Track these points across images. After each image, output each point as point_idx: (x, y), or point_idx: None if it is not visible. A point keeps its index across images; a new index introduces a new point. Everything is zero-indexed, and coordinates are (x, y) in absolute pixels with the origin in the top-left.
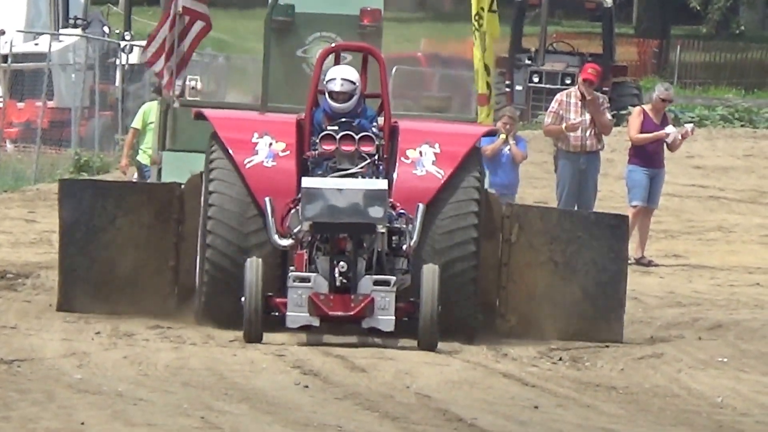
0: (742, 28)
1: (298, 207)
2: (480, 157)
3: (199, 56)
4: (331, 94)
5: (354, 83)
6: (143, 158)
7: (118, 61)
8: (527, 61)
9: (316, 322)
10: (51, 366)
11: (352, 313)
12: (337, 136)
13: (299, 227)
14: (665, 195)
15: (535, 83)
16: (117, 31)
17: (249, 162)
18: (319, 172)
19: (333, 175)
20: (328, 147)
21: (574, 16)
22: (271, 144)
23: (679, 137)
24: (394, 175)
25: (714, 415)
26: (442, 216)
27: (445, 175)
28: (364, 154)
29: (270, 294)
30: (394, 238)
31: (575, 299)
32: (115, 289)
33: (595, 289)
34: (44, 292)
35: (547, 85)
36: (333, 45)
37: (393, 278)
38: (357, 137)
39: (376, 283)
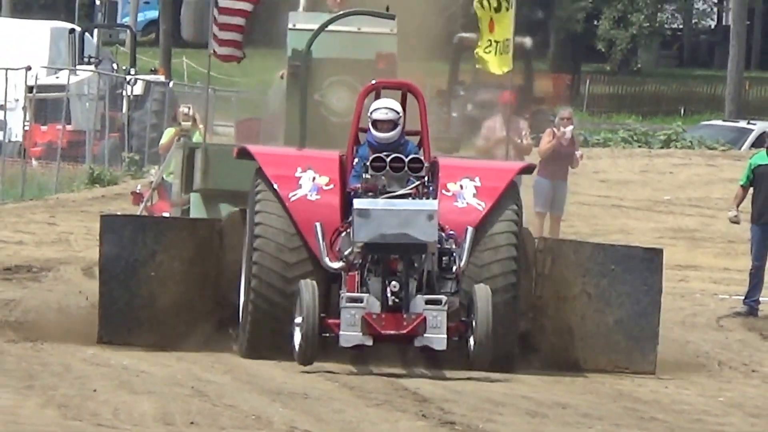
0: (639, 65)
1: (348, 230)
2: (517, 191)
3: (190, 88)
4: (376, 123)
5: (398, 112)
6: (169, 179)
7: (124, 92)
8: (461, 92)
9: (369, 341)
10: (69, 344)
11: (404, 331)
12: (388, 159)
13: (350, 249)
14: (576, 203)
15: (469, 111)
16: (123, 68)
17: (293, 195)
18: (370, 194)
19: (383, 196)
20: (378, 170)
21: None
22: (314, 178)
23: (568, 134)
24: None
25: None
26: (481, 248)
27: (485, 207)
28: (413, 177)
29: (323, 315)
30: (444, 259)
31: (609, 331)
32: (156, 323)
33: (628, 321)
34: (63, 283)
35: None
36: (374, 82)
37: (445, 298)
38: (407, 159)
39: (428, 302)
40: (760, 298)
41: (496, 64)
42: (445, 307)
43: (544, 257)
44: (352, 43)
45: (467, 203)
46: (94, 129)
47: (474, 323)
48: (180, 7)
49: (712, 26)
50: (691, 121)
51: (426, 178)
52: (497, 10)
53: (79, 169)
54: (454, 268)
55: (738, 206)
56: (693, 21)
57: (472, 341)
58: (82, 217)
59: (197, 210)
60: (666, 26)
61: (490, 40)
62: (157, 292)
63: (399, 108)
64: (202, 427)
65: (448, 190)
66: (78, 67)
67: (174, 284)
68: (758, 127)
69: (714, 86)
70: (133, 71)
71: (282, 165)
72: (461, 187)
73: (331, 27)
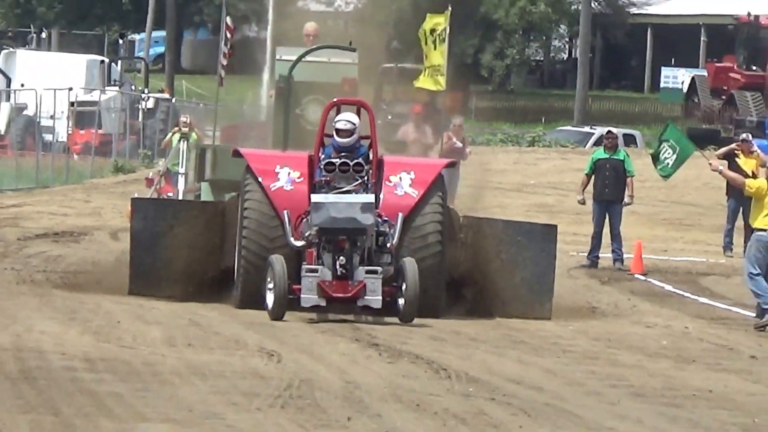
0: (512, 86)
1: (308, 217)
2: (443, 182)
3: (187, 103)
4: (338, 131)
5: (354, 124)
6: (173, 168)
7: (140, 106)
8: (383, 106)
9: (323, 302)
10: (102, 288)
11: (350, 294)
12: (338, 163)
13: (309, 232)
14: (467, 187)
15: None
16: (139, 88)
17: (273, 186)
18: (324, 191)
19: (334, 192)
20: (329, 171)
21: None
22: (289, 173)
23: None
24: (381, 195)
25: None
26: (416, 224)
27: (419, 194)
28: (357, 177)
29: (289, 282)
30: (380, 238)
31: (516, 287)
32: (173, 280)
33: (531, 279)
34: (95, 244)
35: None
36: (335, 99)
37: (380, 268)
38: (352, 163)
39: (368, 272)
40: (600, 255)
41: (429, 83)
42: (381, 276)
43: (466, 231)
44: (324, 70)
45: (405, 191)
46: (118, 132)
47: (403, 287)
48: (180, 46)
49: (565, 58)
50: (549, 127)
51: (366, 178)
52: (434, 43)
53: (107, 161)
54: (388, 245)
55: (583, 191)
56: (551, 54)
57: (401, 301)
58: (110, 196)
59: (206, 195)
60: (531, 58)
61: (425, 67)
62: (174, 257)
63: (356, 119)
64: (197, 348)
65: (390, 181)
66: (106, 88)
67: (187, 251)
68: (597, 131)
69: (566, 101)
70: (146, 91)
71: (265, 162)
72: (400, 179)
73: (308, 58)
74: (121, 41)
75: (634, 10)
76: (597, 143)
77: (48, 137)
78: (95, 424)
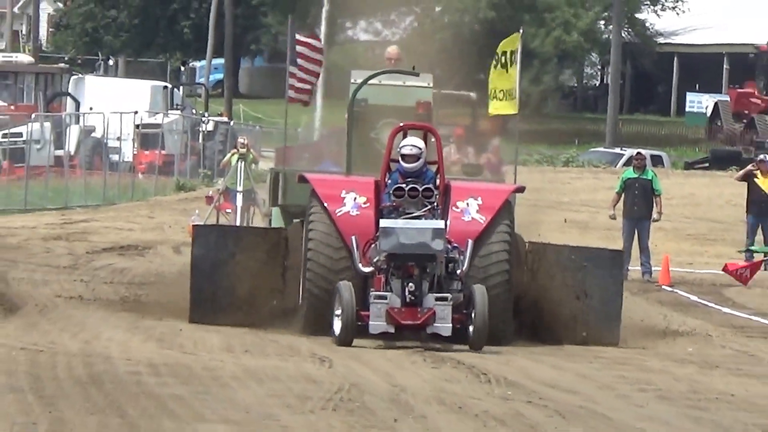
0: (548, 110)
1: (376, 242)
2: (511, 208)
3: (244, 126)
4: (404, 156)
5: (420, 149)
6: (231, 186)
7: (200, 129)
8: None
9: (391, 329)
10: (163, 299)
11: (419, 322)
12: (407, 188)
13: (377, 257)
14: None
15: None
16: (200, 112)
17: (339, 211)
18: (393, 216)
19: (403, 217)
20: (399, 197)
21: None
22: (355, 198)
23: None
24: (448, 221)
25: None
26: (483, 251)
27: (486, 220)
28: (426, 202)
29: (357, 308)
30: (449, 265)
31: (582, 313)
32: (234, 308)
33: (598, 305)
34: (159, 257)
35: None
36: (401, 124)
37: (450, 295)
38: (421, 189)
39: (437, 299)
40: (629, 268)
41: (506, 108)
42: (451, 303)
43: (532, 257)
44: (399, 94)
45: (472, 217)
46: (180, 153)
47: (473, 315)
48: (238, 73)
49: (597, 84)
50: (582, 148)
51: (435, 203)
52: (505, 66)
53: (170, 180)
54: (458, 272)
55: (614, 207)
56: (584, 80)
57: (471, 329)
58: (172, 213)
59: (277, 220)
60: (566, 84)
61: (493, 89)
62: (235, 285)
63: (422, 144)
64: (253, 354)
65: (457, 207)
66: (169, 111)
67: (249, 279)
68: (627, 152)
69: (598, 125)
70: (206, 114)
71: (330, 187)
72: (467, 204)
73: (384, 81)
74: (182, 68)
75: (661, 40)
76: (627, 164)
77: (114, 157)
78: (158, 424)
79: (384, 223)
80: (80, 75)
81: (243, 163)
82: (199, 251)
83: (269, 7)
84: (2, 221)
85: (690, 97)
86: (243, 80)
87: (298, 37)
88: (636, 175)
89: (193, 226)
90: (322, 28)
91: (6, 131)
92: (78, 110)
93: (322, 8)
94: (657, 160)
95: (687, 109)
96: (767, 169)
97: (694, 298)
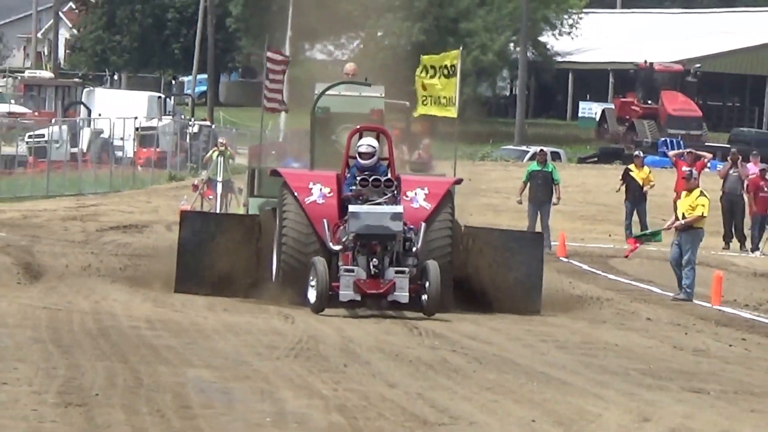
0: (467, 116)
1: (344, 225)
2: (452, 196)
3: (224, 129)
4: (361, 154)
5: (375, 147)
6: (213, 177)
7: (187, 131)
8: None
9: (358, 297)
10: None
11: (382, 291)
12: (370, 179)
13: (346, 237)
14: None
15: None
16: (187, 117)
17: (308, 200)
18: (359, 202)
19: (368, 203)
20: (364, 185)
21: None
22: (321, 189)
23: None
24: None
25: None
26: (431, 233)
27: (431, 207)
28: (387, 191)
29: (329, 280)
30: (406, 243)
31: (509, 287)
32: (214, 281)
33: (522, 279)
34: (154, 234)
35: None
36: (358, 126)
37: (407, 269)
38: (383, 179)
39: (397, 272)
40: None
41: (435, 110)
42: (408, 275)
43: (467, 239)
44: (355, 103)
45: (420, 204)
46: (172, 150)
47: (426, 285)
48: (218, 86)
49: (507, 94)
50: (495, 146)
51: (396, 192)
52: (445, 76)
53: (163, 172)
54: (414, 249)
55: (521, 194)
56: (497, 91)
57: (425, 297)
58: (165, 198)
59: (253, 209)
60: (483, 94)
61: (425, 96)
62: (215, 262)
63: (376, 144)
64: (231, 312)
65: (407, 196)
66: (162, 117)
67: (227, 257)
68: (531, 149)
69: (508, 127)
70: (192, 120)
71: (300, 180)
72: (416, 194)
73: (343, 92)
74: (173, 82)
75: (559, 59)
76: (531, 158)
77: (119, 154)
78: (154, 369)
79: (352, 208)
80: (91, 88)
81: (222, 158)
82: (185, 233)
83: (243, 33)
84: (28, 205)
85: (582, 105)
86: (222, 92)
87: (268, 54)
88: (539, 168)
89: (181, 211)
90: (287, 48)
91: (31, 133)
92: (89, 116)
93: (286, 33)
94: (556, 156)
95: (580, 114)
96: (641, 163)
97: (585, 267)
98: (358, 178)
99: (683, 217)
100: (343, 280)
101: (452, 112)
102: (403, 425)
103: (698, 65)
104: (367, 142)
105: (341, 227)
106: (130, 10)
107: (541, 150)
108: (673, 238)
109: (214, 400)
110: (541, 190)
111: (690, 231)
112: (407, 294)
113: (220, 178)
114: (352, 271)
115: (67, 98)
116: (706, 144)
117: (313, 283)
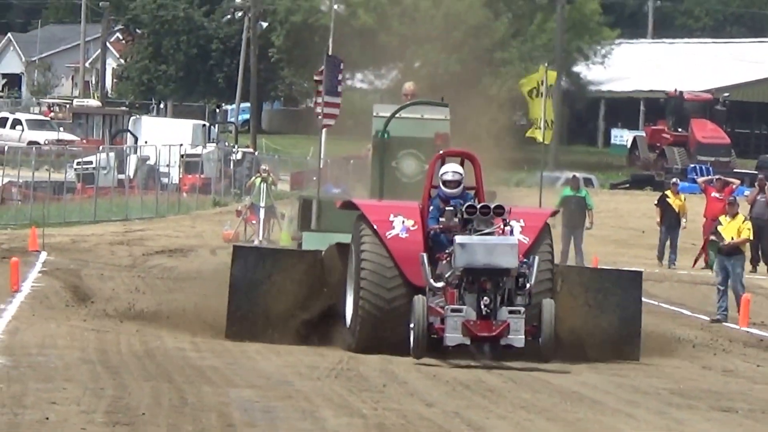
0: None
1: (447, 259)
2: (550, 230)
3: (266, 155)
4: (446, 183)
5: (461, 174)
6: (256, 203)
7: (231, 158)
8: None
9: (467, 341)
10: (204, 290)
11: (494, 333)
12: (478, 207)
13: (451, 272)
14: None
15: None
16: (231, 145)
17: (389, 234)
18: (467, 233)
19: (476, 234)
20: (471, 214)
21: None
22: (403, 221)
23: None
24: None
25: None
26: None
27: (529, 241)
28: (493, 221)
29: (431, 322)
30: (519, 279)
31: (603, 331)
32: (269, 327)
33: (618, 323)
34: (199, 258)
35: None
36: (441, 152)
37: (522, 308)
38: (492, 207)
39: (510, 312)
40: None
41: (540, 135)
42: (523, 316)
43: (557, 278)
44: (418, 126)
45: (517, 238)
46: (216, 176)
47: (542, 328)
48: (261, 114)
49: None
50: (530, 172)
51: (506, 221)
52: (542, 98)
53: (208, 197)
54: (527, 286)
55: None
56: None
57: (540, 341)
58: (210, 223)
59: (308, 244)
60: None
61: (536, 119)
62: (271, 304)
63: (461, 171)
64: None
65: (497, 223)
66: (207, 144)
67: (285, 298)
68: (564, 175)
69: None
70: (236, 147)
71: (379, 212)
72: (512, 226)
73: (403, 114)
74: (217, 110)
75: (592, 87)
76: (565, 184)
77: (165, 180)
78: (198, 389)
79: (460, 239)
80: (137, 116)
81: (265, 184)
82: (238, 271)
83: (285, 63)
84: (76, 230)
85: (614, 132)
86: (265, 119)
87: (341, 67)
88: (572, 193)
89: (234, 246)
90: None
91: (80, 160)
92: (136, 143)
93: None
94: (588, 182)
95: (612, 141)
96: (677, 191)
97: None
98: (464, 206)
99: (731, 239)
100: (450, 322)
101: (549, 137)
102: None
103: (727, 94)
104: (453, 169)
105: (445, 261)
106: (176, 40)
107: (574, 176)
108: (716, 264)
109: (257, 419)
110: (575, 215)
111: (738, 255)
112: (523, 337)
113: (263, 204)
114: (461, 311)
115: (114, 126)
116: (735, 170)
117: (412, 325)
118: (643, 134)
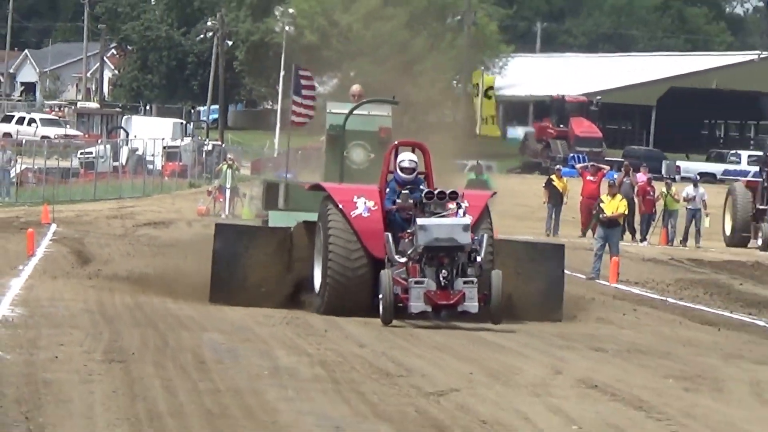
0: None
1: (409, 237)
2: (489, 210)
3: (232, 146)
4: (403, 169)
5: (416, 162)
6: (223, 184)
7: (204, 149)
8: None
9: (429, 309)
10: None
11: (452, 302)
12: (436, 191)
13: (413, 249)
14: None
15: None
16: (204, 138)
17: (354, 213)
18: (426, 215)
19: (435, 216)
20: (429, 198)
21: None
22: (365, 202)
23: None
24: None
25: None
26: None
27: (472, 219)
28: (454, 203)
29: (396, 293)
30: (471, 254)
31: (531, 295)
32: (246, 292)
33: (544, 289)
34: (178, 229)
35: None
36: (396, 142)
37: (475, 279)
38: (448, 192)
39: (465, 282)
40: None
41: (492, 131)
42: (476, 285)
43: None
44: (365, 121)
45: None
46: (191, 164)
47: (491, 295)
48: (227, 114)
49: (451, 120)
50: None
51: (459, 203)
52: (486, 97)
53: (185, 181)
54: (478, 259)
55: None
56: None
57: (490, 307)
58: (186, 201)
59: (275, 221)
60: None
61: (483, 116)
62: (248, 273)
63: (416, 159)
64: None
65: (448, 209)
66: (184, 138)
67: (259, 269)
68: (469, 163)
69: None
70: (207, 140)
71: (344, 194)
72: (457, 206)
73: (356, 112)
74: (192, 111)
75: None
76: (470, 170)
77: (150, 167)
78: (177, 334)
79: (421, 221)
80: (129, 116)
81: (230, 170)
82: (220, 245)
83: (246, 73)
84: (80, 207)
85: (510, 129)
86: (230, 118)
87: (300, 72)
88: (476, 177)
89: (216, 224)
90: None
91: (82, 150)
92: (127, 137)
93: (279, 73)
94: (489, 168)
95: (508, 135)
96: (560, 175)
97: None
98: (424, 192)
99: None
100: (414, 292)
101: (497, 130)
102: (370, 377)
103: (599, 97)
104: (409, 157)
105: (407, 239)
106: (159, 55)
107: (478, 162)
108: (597, 233)
109: (224, 357)
110: None
111: (616, 227)
112: (477, 304)
113: (228, 185)
114: (422, 282)
115: (110, 124)
116: (605, 159)
117: (380, 296)
118: (533, 130)
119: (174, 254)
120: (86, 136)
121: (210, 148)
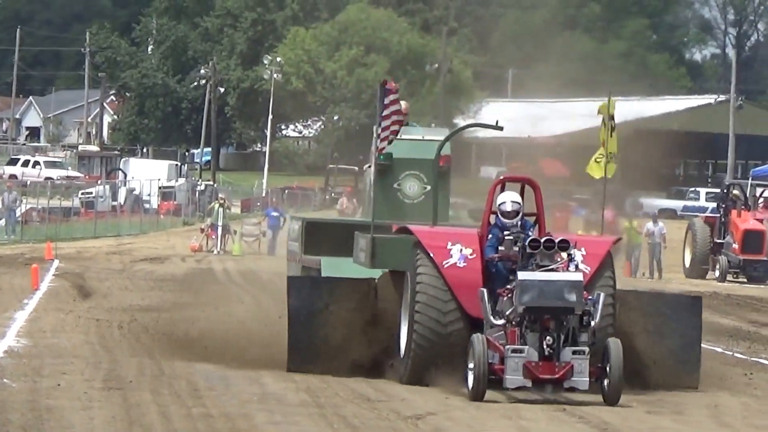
0: None
1: (508, 295)
2: (611, 258)
3: (224, 186)
4: (504, 213)
5: (519, 204)
6: (214, 222)
7: (197, 189)
8: (330, 188)
9: (529, 383)
10: (173, 279)
11: (557, 376)
12: (542, 240)
13: (511, 309)
14: None
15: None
16: (197, 179)
17: (446, 263)
18: (529, 268)
19: (540, 270)
20: (534, 248)
21: None
22: (461, 249)
23: None
24: None
25: None
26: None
27: (591, 271)
28: (563, 254)
29: (491, 362)
30: (583, 317)
31: (663, 358)
32: (329, 357)
33: (678, 350)
34: (173, 264)
35: None
36: (501, 177)
37: (587, 348)
38: (557, 241)
39: (574, 352)
40: None
41: (599, 170)
42: (588, 357)
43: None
44: (419, 147)
45: (581, 274)
46: (185, 203)
47: (608, 369)
48: (219, 156)
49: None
50: None
51: (572, 255)
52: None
53: (179, 219)
54: (592, 324)
55: None
56: None
57: (606, 383)
58: (180, 238)
59: (327, 270)
60: None
61: (602, 153)
62: (330, 334)
63: (519, 199)
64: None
65: (561, 257)
66: (179, 179)
67: (342, 327)
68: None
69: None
70: (200, 180)
71: (436, 239)
72: (569, 257)
73: (405, 136)
74: (186, 153)
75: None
76: None
77: (147, 206)
78: (172, 362)
79: (522, 275)
80: (127, 158)
81: (222, 209)
82: (294, 302)
83: (237, 118)
84: (81, 244)
85: (482, 168)
86: (222, 160)
87: (390, 97)
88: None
89: (288, 278)
90: (268, 126)
91: (83, 190)
92: (125, 178)
93: (268, 117)
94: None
95: (481, 175)
96: None
97: None
98: (528, 240)
99: None
100: (510, 363)
101: (611, 170)
102: (352, 401)
103: (566, 139)
104: (511, 199)
105: (506, 298)
106: (155, 101)
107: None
108: None
109: (216, 384)
110: None
111: None
112: (587, 379)
113: (220, 223)
114: (522, 351)
115: (109, 165)
116: (573, 196)
117: (471, 365)
118: (505, 170)
119: (169, 288)
120: (87, 177)
121: (203, 188)
